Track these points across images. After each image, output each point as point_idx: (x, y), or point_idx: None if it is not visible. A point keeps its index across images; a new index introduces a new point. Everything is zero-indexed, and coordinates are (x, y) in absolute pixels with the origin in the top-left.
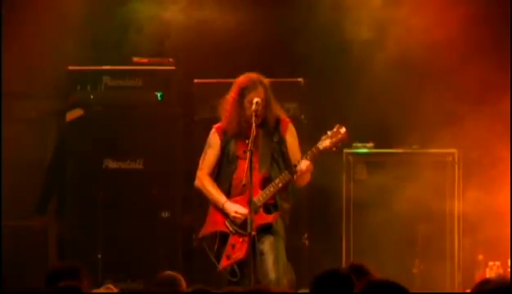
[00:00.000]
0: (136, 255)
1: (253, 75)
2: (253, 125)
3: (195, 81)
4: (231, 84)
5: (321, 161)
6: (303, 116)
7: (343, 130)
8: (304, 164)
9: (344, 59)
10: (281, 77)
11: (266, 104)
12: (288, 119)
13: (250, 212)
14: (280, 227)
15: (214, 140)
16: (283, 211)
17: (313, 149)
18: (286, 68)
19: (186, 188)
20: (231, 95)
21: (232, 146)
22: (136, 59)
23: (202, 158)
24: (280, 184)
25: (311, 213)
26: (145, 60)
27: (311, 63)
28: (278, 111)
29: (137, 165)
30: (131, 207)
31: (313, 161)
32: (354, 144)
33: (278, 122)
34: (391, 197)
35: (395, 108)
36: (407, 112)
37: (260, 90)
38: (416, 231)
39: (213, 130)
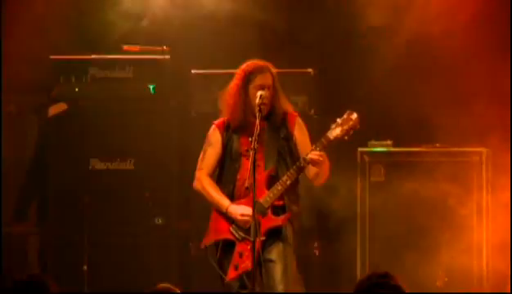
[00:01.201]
0: (126, 266)
1: (260, 61)
2: (258, 120)
3: (193, 71)
4: (232, 75)
5: (333, 160)
6: (312, 110)
7: (354, 116)
8: (313, 155)
9: (359, 47)
10: (288, 67)
11: (273, 93)
12: (296, 113)
13: (254, 216)
14: (289, 232)
15: (215, 137)
16: (292, 213)
17: (322, 138)
18: (294, 57)
19: (182, 191)
20: (235, 82)
21: (235, 143)
22: (126, 47)
23: (201, 157)
24: (288, 182)
25: (321, 219)
26: (136, 48)
27: (321, 51)
28: (285, 104)
29: (128, 165)
30: (120, 213)
31: (325, 151)
32: (370, 143)
33: (285, 116)
34: (411, 201)
35: (415, 102)
36: (428, 106)
37: (268, 76)
38: (440, 240)
39: (213, 126)
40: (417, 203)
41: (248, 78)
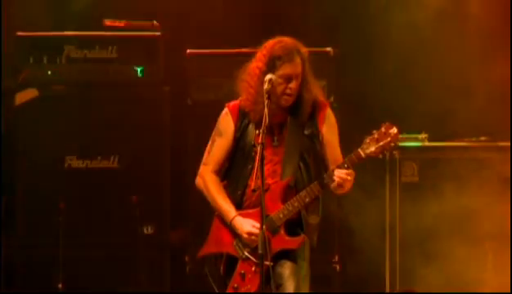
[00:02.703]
0: (109, 284)
1: (289, 41)
2: (266, 109)
3: (189, 51)
4: (235, 56)
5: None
6: (332, 98)
7: (393, 131)
8: (340, 174)
9: (385, 23)
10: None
11: (302, 82)
12: (327, 103)
13: (262, 232)
14: (305, 247)
15: (227, 124)
16: (310, 228)
17: (353, 154)
18: (311, 34)
19: (176, 194)
20: (258, 64)
21: (251, 136)
22: (108, 21)
23: (208, 148)
24: (307, 200)
25: (342, 228)
26: (121, 24)
27: (343, 28)
28: (315, 91)
29: (111, 164)
30: (102, 221)
31: (353, 168)
32: (401, 136)
33: (315, 107)
34: (450, 205)
35: (453, 89)
36: (469, 94)
37: (297, 63)
38: (485, 250)
39: (226, 110)
40: (456, 207)
41: (273, 64)
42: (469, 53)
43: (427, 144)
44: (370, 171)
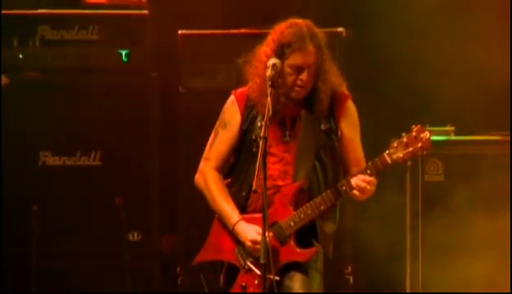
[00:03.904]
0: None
1: (302, 25)
2: (269, 98)
3: (180, 32)
4: (234, 38)
5: (372, 155)
6: (344, 85)
7: (425, 135)
8: (361, 182)
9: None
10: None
11: (318, 71)
12: (348, 95)
13: (264, 239)
14: (318, 257)
15: (233, 114)
16: (325, 238)
17: (378, 160)
18: (320, 12)
19: (166, 195)
20: (266, 50)
21: (260, 130)
22: None
23: (210, 140)
24: (322, 207)
25: (357, 234)
26: (102, 0)
27: (356, 6)
28: (335, 80)
29: (92, 161)
30: (82, 226)
31: (377, 175)
32: (426, 130)
33: (334, 99)
34: (479, 207)
35: (481, 76)
36: (499, 81)
37: (310, 51)
38: None
39: (232, 98)
40: (486, 209)
41: (282, 51)
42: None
43: (454, 137)
44: (389, 169)
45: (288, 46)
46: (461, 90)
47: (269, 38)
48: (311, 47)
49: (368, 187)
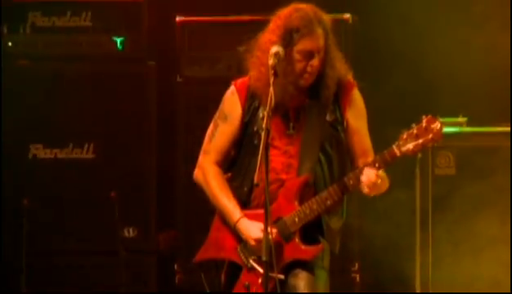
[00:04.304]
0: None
1: (308, 9)
2: (271, 88)
3: (179, 19)
4: (235, 25)
5: (380, 148)
6: (350, 74)
7: (436, 126)
8: (369, 176)
9: None
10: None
11: (325, 57)
12: (353, 83)
13: (266, 235)
14: (324, 254)
15: (233, 105)
16: (331, 233)
17: (386, 152)
18: None
19: (164, 189)
20: (271, 37)
21: (262, 122)
22: None
23: (209, 133)
24: (328, 202)
25: (364, 231)
26: None
27: None
28: (340, 68)
29: (85, 153)
30: (75, 222)
31: (385, 168)
32: (438, 121)
33: (339, 87)
34: (493, 203)
35: (496, 65)
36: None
37: (319, 35)
38: None
39: (232, 88)
40: (501, 205)
41: (290, 37)
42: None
43: (466, 129)
44: (398, 162)
45: (296, 31)
46: (474, 79)
47: (273, 25)
48: (320, 31)
49: (378, 181)
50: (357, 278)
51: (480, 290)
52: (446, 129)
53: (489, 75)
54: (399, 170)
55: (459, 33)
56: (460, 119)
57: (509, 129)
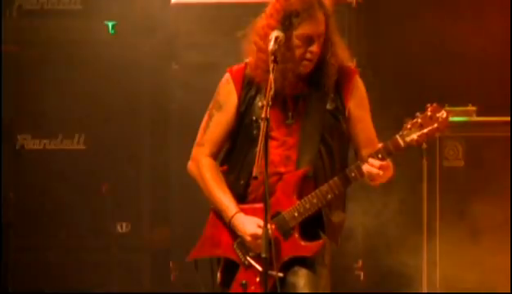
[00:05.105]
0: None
1: None
2: (271, 75)
3: (173, 2)
4: (233, 8)
5: (386, 137)
6: (355, 60)
7: (442, 115)
8: (372, 167)
9: None
10: None
11: (326, 43)
12: (355, 70)
13: (265, 230)
14: (325, 250)
15: (228, 94)
16: (333, 228)
17: (389, 142)
18: None
19: (157, 183)
20: (270, 22)
21: (259, 111)
22: None
23: (203, 124)
24: (329, 196)
25: (368, 226)
26: None
27: None
28: (342, 54)
29: (75, 144)
30: (64, 217)
31: (389, 157)
32: (443, 109)
33: (340, 75)
34: (503, 195)
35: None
36: None
37: (320, 19)
38: None
39: (227, 76)
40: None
41: (289, 22)
42: None
43: (475, 118)
44: (404, 153)
45: (296, 15)
46: (484, 67)
47: (271, 9)
48: (320, 15)
49: (380, 173)
50: (361, 276)
51: (488, 287)
52: (455, 118)
53: (500, 64)
54: (406, 162)
55: (471, 23)
56: (470, 108)
57: None
